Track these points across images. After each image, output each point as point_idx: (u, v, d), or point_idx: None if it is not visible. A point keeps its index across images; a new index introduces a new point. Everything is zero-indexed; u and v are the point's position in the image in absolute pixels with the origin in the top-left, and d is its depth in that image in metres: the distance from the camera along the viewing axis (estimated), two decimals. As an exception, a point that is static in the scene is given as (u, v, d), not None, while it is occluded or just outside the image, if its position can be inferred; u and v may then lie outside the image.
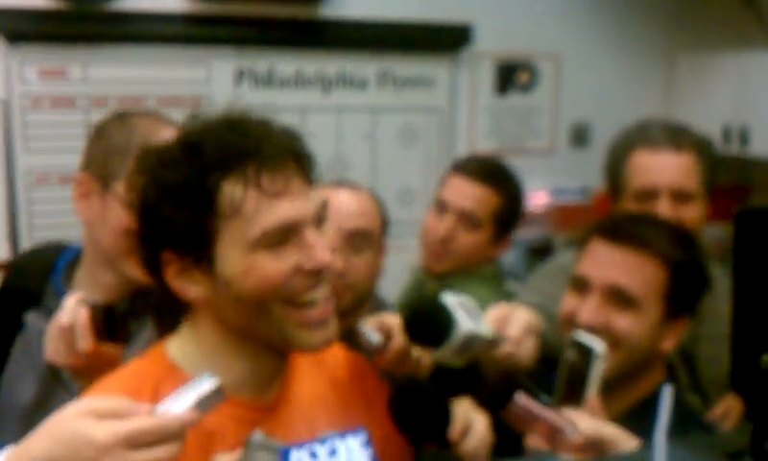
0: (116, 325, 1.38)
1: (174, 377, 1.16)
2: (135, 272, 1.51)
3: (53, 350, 1.38)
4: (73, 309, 1.35)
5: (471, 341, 1.32)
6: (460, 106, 3.88)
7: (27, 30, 3.13)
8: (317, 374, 1.36)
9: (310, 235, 1.17)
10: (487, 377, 1.52)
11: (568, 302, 1.59)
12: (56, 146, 3.21)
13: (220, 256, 1.15)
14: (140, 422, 0.99)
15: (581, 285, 1.58)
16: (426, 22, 3.70)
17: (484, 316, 1.38)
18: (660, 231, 1.58)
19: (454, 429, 1.28)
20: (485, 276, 2.20)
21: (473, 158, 2.33)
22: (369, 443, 1.03)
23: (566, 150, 4.09)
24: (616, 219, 1.72)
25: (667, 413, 0.75)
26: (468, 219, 2.15)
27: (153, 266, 1.20)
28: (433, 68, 3.80)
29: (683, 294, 1.56)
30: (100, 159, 1.57)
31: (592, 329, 1.48)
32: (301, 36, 3.55)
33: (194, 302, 1.20)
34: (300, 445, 1.00)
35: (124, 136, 1.55)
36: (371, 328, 1.39)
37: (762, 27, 3.82)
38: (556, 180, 3.99)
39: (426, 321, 1.33)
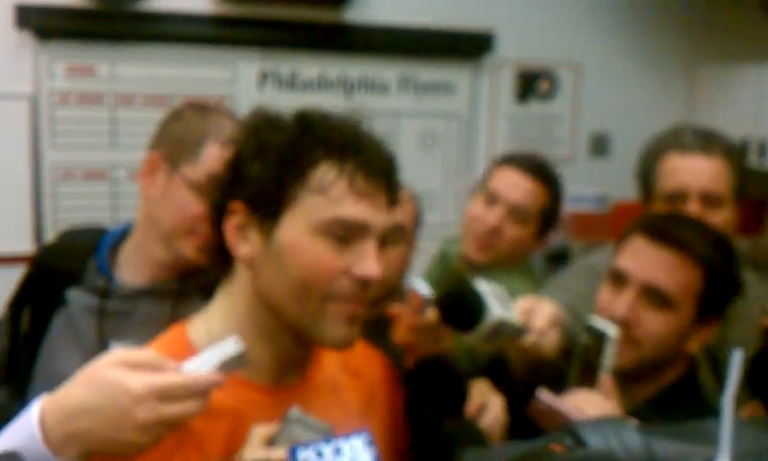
0: None
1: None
2: (190, 252, 1.58)
3: None
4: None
5: (501, 328, 1.36)
6: (480, 112, 3.90)
7: (56, 27, 3.16)
8: (338, 362, 1.39)
9: (371, 247, 1.21)
10: (513, 368, 1.55)
11: (604, 293, 1.63)
12: (82, 142, 3.25)
13: (285, 223, 1.19)
14: (172, 376, 1.04)
15: (618, 279, 1.60)
16: (449, 29, 3.73)
17: (514, 305, 1.42)
18: (702, 234, 1.60)
19: (470, 406, 1.32)
20: (525, 270, 2.22)
21: (523, 154, 2.31)
22: (372, 442, 1.08)
23: (586, 159, 4.10)
24: (660, 218, 1.74)
25: (736, 379, 0.77)
26: (518, 212, 2.15)
27: (218, 214, 1.24)
28: (454, 74, 3.82)
29: (715, 297, 1.58)
30: (173, 141, 1.62)
31: (624, 323, 1.52)
32: (325, 39, 3.58)
33: (241, 260, 1.22)
34: (306, 444, 1.05)
35: (200, 126, 1.61)
36: (419, 282, 1.44)
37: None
38: (574, 188, 4.00)
39: (460, 305, 1.36)
